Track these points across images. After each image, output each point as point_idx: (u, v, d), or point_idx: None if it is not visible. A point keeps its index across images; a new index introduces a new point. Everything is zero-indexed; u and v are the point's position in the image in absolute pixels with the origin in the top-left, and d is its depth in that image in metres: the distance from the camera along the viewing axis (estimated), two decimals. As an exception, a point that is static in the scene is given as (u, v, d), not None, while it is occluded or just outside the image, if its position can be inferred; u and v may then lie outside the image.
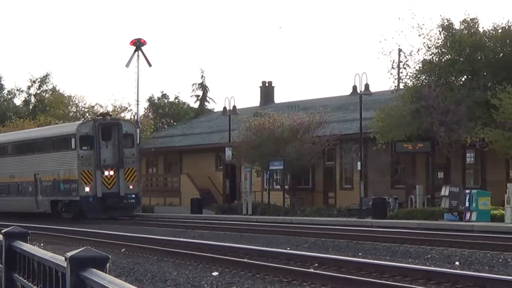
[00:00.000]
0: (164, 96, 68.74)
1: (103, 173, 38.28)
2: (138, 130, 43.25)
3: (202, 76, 65.48)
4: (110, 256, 3.08)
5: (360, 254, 19.49)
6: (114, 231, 27.81)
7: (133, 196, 39.49)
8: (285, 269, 15.46)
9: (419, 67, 38.08)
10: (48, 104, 62.47)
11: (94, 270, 2.91)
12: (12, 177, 45.40)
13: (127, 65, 58.96)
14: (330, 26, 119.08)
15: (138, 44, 54.40)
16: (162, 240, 25.10)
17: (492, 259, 17.34)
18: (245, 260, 17.67)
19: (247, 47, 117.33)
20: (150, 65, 59.88)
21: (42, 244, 22.01)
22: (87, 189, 37.82)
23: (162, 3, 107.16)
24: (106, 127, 39.07)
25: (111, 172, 38.47)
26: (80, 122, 41.30)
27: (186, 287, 15.16)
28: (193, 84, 66.24)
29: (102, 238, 26.70)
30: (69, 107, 59.64)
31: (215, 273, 16.87)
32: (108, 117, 40.96)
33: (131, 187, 39.10)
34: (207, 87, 64.69)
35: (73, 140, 38.94)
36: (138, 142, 41.44)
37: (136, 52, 56.39)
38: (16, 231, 5.09)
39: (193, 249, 21.49)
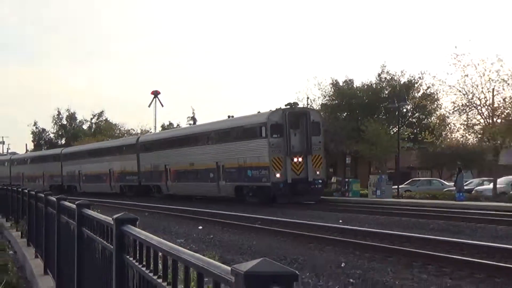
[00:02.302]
0: (170, 124, 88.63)
1: (293, 159, 36.31)
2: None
3: (193, 112, 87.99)
4: (138, 217, 3.71)
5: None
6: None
7: (320, 181, 37.39)
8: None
9: (319, 108, 51.35)
10: (103, 129, 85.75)
11: (130, 226, 3.62)
12: (192, 165, 43.88)
13: (149, 106, 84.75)
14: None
15: (155, 93, 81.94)
16: (166, 208, 31.87)
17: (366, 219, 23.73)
18: (228, 221, 23.62)
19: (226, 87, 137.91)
20: (162, 105, 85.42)
21: (99, 210, 31.21)
22: (278, 175, 35.97)
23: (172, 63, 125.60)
24: (295, 116, 37.19)
25: (300, 159, 36.62)
26: (270, 111, 38.20)
27: (183, 235, 18.68)
28: (188, 117, 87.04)
29: (135, 207, 32.49)
30: (115, 130, 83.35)
31: (200, 227, 21.44)
32: (296, 106, 38.75)
33: (318, 172, 37.24)
34: (196, 119, 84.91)
35: (263, 129, 36.89)
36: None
37: (155, 98, 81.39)
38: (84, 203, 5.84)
39: (189, 213, 27.69)
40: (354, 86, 53.25)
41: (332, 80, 54.06)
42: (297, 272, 1.88)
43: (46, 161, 69.23)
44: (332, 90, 53.29)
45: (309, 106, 51.11)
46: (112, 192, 55.31)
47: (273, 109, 38.32)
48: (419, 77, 53.35)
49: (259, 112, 42.75)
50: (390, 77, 53.64)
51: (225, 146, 40.33)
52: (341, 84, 53.74)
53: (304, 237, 18.02)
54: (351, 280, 11.17)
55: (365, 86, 52.88)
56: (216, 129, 42.86)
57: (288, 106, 37.65)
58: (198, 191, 43.76)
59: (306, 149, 36.51)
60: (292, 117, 36.84)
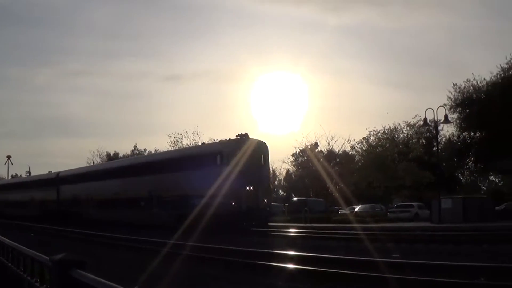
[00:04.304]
0: (16, 175, 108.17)
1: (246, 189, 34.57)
2: None
3: (29, 167, 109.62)
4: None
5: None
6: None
7: (268, 209, 36.62)
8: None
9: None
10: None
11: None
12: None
13: (5, 164, 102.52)
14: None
15: (9, 156, 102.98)
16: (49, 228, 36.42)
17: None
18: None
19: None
20: (12, 164, 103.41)
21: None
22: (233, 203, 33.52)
23: None
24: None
25: (252, 188, 34.86)
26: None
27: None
28: (26, 171, 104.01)
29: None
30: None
31: (32, 234, 29.90)
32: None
33: (265, 201, 35.98)
34: (31, 172, 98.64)
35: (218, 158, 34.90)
36: None
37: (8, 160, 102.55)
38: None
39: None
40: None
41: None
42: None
43: None
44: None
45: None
46: None
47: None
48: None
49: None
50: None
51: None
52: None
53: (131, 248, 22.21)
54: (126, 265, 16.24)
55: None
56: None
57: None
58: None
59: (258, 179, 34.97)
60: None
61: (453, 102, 58.87)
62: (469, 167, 65.64)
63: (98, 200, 47.46)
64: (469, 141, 60.82)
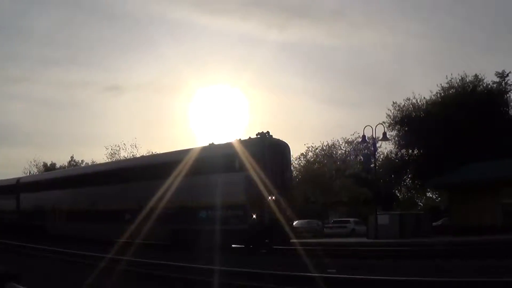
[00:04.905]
0: None
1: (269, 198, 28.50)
2: None
3: None
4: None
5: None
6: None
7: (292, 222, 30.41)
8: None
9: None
10: None
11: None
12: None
13: None
14: None
15: None
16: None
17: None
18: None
19: None
20: None
21: None
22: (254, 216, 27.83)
23: None
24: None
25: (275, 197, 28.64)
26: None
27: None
28: None
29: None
30: None
31: None
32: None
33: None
34: None
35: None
36: None
37: None
38: None
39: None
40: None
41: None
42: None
43: None
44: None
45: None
46: None
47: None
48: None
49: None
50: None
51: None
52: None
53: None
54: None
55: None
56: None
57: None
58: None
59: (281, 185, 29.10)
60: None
61: (392, 120, 59.58)
62: (406, 183, 66.47)
63: (69, 211, 40.82)
64: (406, 158, 61.54)
